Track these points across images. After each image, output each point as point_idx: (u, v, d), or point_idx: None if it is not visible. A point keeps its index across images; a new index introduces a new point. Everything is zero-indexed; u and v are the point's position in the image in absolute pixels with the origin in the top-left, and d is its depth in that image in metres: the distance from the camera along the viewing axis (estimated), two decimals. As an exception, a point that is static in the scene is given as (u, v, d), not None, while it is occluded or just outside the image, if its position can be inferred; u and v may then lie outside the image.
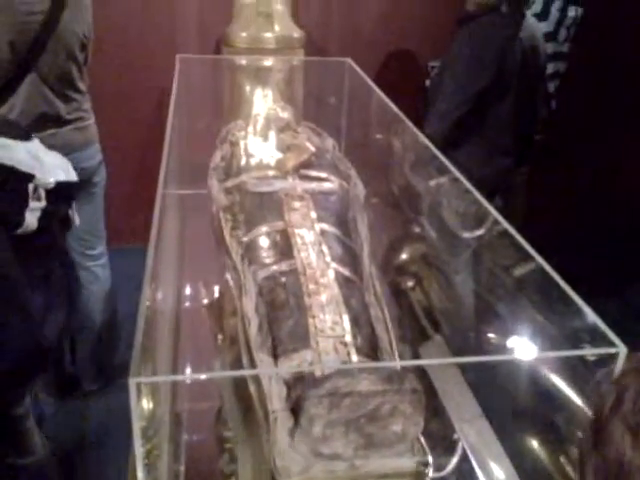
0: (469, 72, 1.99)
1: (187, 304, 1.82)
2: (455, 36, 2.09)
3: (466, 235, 1.71)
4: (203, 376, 0.87)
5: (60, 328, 1.39)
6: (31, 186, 1.30)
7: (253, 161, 1.70)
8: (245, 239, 1.34)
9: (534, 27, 2.13)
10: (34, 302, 1.28)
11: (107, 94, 2.74)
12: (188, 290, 1.85)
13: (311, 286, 1.12)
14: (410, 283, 1.77)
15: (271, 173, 1.59)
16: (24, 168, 1.29)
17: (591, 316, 0.97)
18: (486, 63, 1.97)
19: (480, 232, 1.57)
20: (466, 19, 2.07)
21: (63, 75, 2.09)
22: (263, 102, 2.22)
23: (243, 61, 2.56)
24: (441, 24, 2.84)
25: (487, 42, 1.99)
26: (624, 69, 3.41)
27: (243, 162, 1.70)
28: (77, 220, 1.57)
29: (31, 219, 1.29)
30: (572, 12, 2.70)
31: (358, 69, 2.37)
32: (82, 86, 2.21)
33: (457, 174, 1.62)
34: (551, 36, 2.68)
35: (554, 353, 0.95)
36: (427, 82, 2.51)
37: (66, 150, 1.72)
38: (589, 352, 0.85)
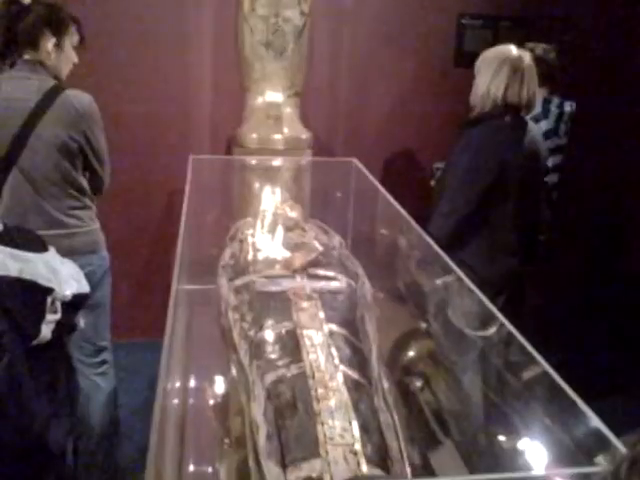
0: (471, 175, 2.05)
1: (192, 400, 1.80)
2: (458, 139, 2.17)
3: (471, 334, 1.71)
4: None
5: (65, 435, 1.38)
6: (49, 299, 1.33)
7: (262, 259, 1.73)
8: (253, 338, 1.35)
9: (535, 131, 2.21)
10: (40, 408, 1.28)
11: (118, 194, 2.72)
12: (192, 383, 1.84)
13: (320, 390, 1.12)
14: (418, 384, 1.76)
15: (279, 272, 1.62)
16: (43, 282, 1.32)
17: (596, 422, 0.98)
18: (487, 167, 2.04)
19: (485, 332, 1.57)
20: (469, 124, 2.16)
21: (45, 174, 2.01)
22: (272, 200, 2.28)
23: (253, 161, 2.64)
24: (446, 126, 2.94)
25: (488, 146, 2.06)
26: (619, 159, 3.52)
27: (251, 260, 1.73)
28: (82, 323, 1.57)
29: (46, 331, 1.31)
30: (568, 107, 2.81)
31: (364, 169, 2.45)
32: (74, 192, 2.07)
33: (460, 274, 1.65)
34: (552, 132, 2.78)
35: (567, 470, 0.95)
36: (432, 183, 2.58)
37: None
38: (597, 470, 0.85)
